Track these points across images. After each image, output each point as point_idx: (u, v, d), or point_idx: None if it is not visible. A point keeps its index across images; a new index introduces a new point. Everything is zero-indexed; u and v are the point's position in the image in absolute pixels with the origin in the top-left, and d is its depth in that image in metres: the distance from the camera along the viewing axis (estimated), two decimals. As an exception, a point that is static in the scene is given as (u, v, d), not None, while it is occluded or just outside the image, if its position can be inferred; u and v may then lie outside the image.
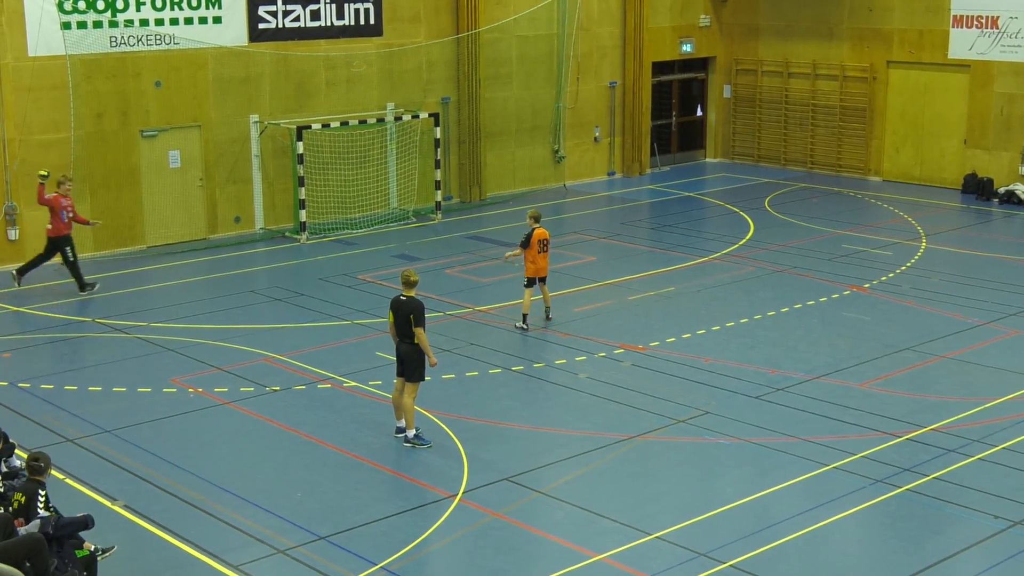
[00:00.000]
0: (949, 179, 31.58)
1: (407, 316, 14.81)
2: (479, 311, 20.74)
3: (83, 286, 21.83)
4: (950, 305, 20.91)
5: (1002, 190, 30.13)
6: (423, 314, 14.89)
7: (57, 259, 22.14)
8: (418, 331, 14.77)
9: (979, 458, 14.50)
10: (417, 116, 28.15)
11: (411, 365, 14.91)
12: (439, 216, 28.16)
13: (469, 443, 15.08)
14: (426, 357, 14.90)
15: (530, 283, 19.65)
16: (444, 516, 13.12)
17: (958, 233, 26.79)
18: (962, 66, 31.05)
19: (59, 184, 21.86)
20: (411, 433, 15.02)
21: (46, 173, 21.77)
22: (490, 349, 18.72)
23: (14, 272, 22.35)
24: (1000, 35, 30.16)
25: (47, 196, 21.61)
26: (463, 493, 13.69)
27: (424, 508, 13.35)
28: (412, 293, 14.95)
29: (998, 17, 30.14)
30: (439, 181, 28.43)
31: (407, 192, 28.36)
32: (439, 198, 28.41)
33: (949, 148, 31.64)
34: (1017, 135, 30.33)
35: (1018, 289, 21.88)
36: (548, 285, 20.18)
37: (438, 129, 28.17)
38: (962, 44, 30.90)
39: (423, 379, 15.06)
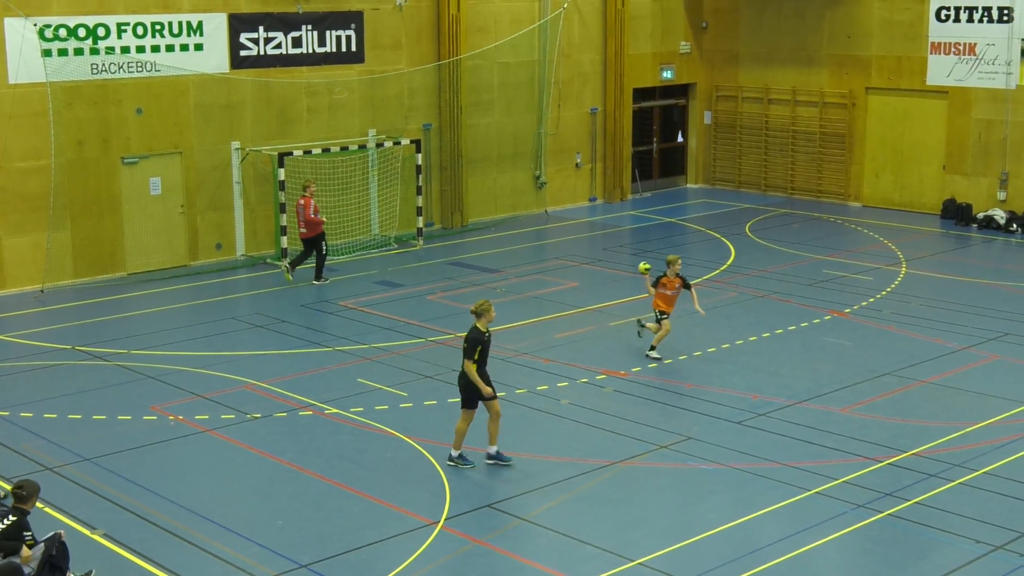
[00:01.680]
0: (928, 204, 31.76)
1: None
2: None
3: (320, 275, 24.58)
4: (930, 330, 21.00)
5: (981, 215, 30.32)
6: (470, 345, 14.86)
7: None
8: (464, 362, 14.86)
9: (960, 483, 14.54)
10: (399, 143, 28.20)
11: (461, 390, 15.05)
12: (420, 242, 28.17)
13: (451, 470, 15.04)
14: (477, 387, 14.84)
15: None
16: (426, 543, 13.07)
17: (937, 258, 26.93)
18: (940, 92, 31.28)
19: (305, 189, 24.34)
20: (454, 453, 15.09)
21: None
22: (472, 375, 18.67)
23: (286, 265, 24.66)
24: (977, 62, 30.41)
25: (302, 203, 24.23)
26: (445, 520, 13.65)
27: (406, 535, 13.29)
28: (478, 323, 14.93)
29: (975, 44, 30.39)
30: (420, 207, 28.46)
31: (388, 218, 28.36)
32: (420, 224, 28.43)
33: (928, 174, 31.84)
34: (995, 161, 30.55)
35: (997, 314, 21.99)
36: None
37: (419, 156, 28.23)
38: (940, 71, 31.14)
39: (467, 406, 15.01)
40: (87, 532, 13.32)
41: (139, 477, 14.85)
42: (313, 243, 24.43)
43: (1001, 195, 30.51)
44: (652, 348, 19.52)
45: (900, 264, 26.03)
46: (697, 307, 19.77)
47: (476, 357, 14.84)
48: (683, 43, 35.25)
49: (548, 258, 27.13)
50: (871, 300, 23.02)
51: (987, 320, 21.60)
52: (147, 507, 13.99)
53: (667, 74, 35.04)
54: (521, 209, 31.92)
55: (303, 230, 24.37)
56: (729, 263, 26.10)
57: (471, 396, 14.99)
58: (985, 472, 14.83)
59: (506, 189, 31.61)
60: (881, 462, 15.18)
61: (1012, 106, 30.06)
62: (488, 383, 14.96)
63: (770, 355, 19.71)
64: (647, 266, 19.69)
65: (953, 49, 30.84)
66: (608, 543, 13.06)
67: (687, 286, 19.59)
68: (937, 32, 31.07)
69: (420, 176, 28.34)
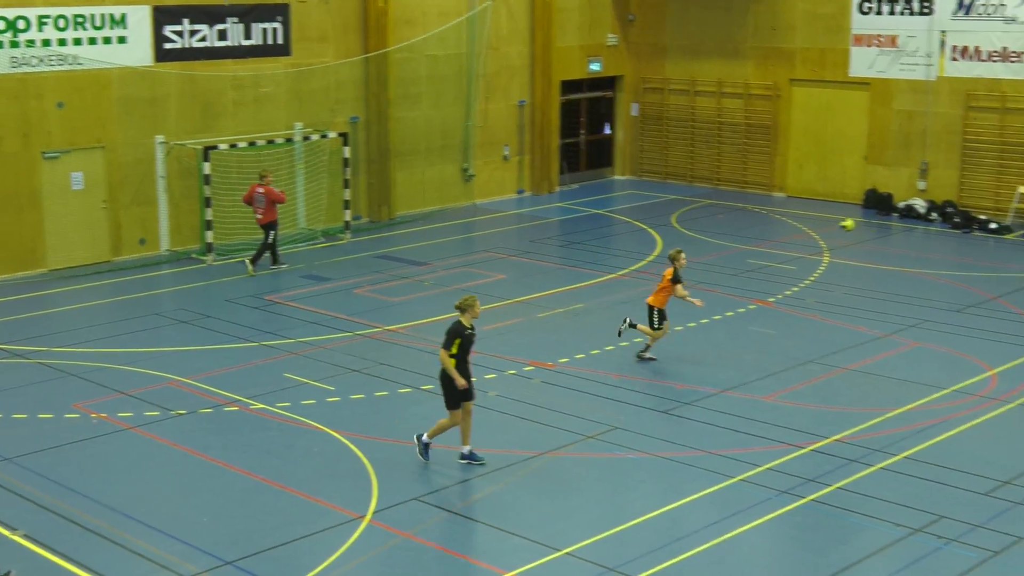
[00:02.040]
0: (851, 194, 32.21)
1: None
2: (388, 330, 20.68)
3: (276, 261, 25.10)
4: (852, 318, 21.31)
5: (902, 204, 30.80)
6: (449, 337, 14.60)
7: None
8: (440, 352, 14.70)
9: (881, 467, 14.78)
10: (325, 136, 28.03)
11: (442, 388, 14.82)
12: (348, 236, 28.04)
13: (379, 463, 15.01)
14: (452, 378, 14.60)
15: None
16: (353, 538, 13.03)
17: (860, 247, 27.32)
18: (862, 84, 31.72)
19: (261, 178, 24.67)
20: (465, 450, 14.99)
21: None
22: (399, 368, 18.67)
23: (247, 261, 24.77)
24: (898, 54, 30.86)
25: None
26: (372, 514, 13.62)
27: (333, 530, 13.25)
28: (462, 318, 14.66)
29: (896, 36, 30.85)
30: (348, 201, 28.33)
31: (315, 212, 28.20)
32: (348, 218, 28.30)
33: (850, 164, 32.28)
34: (915, 151, 31.04)
35: (918, 301, 22.36)
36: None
37: (347, 149, 28.10)
38: (862, 62, 31.58)
39: (451, 406, 14.76)
40: (7, 533, 13.12)
41: (61, 476, 14.65)
42: (269, 228, 24.74)
43: (921, 185, 31.01)
44: (647, 348, 19.03)
45: (823, 253, 26.38)
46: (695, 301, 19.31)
47: (454, 351, 14.59)
48: (610, 36, 35.40)
49: (476, 251, 27.15)
50: (795, 289, 23.31)
51: (907, 308, 21.95)
52: (69, 506, 13.81)
53: (594, 66, 35.18)
54: (449, 202, 31.88)
55: (259, 216, 24.69)
56: (656, 254, 26.28)
57: (452, 395, 14.70)
58: (905, 457, 15.09)
59: (434, 182, 31.56)
60: (804, 448, 15.39)
61: (932, 97, 30.55)
62: (468, 381, 14.72)
63: (696, 344, 19.89)
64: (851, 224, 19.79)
65: (875, 41, 31.28)
66: (536, 534, 13.11)
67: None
68: (860, 24, 31.50)
69: (347, 169, 28.22)
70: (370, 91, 29.51)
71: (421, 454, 15.04)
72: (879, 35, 31.16)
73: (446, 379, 14.68)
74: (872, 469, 14.73)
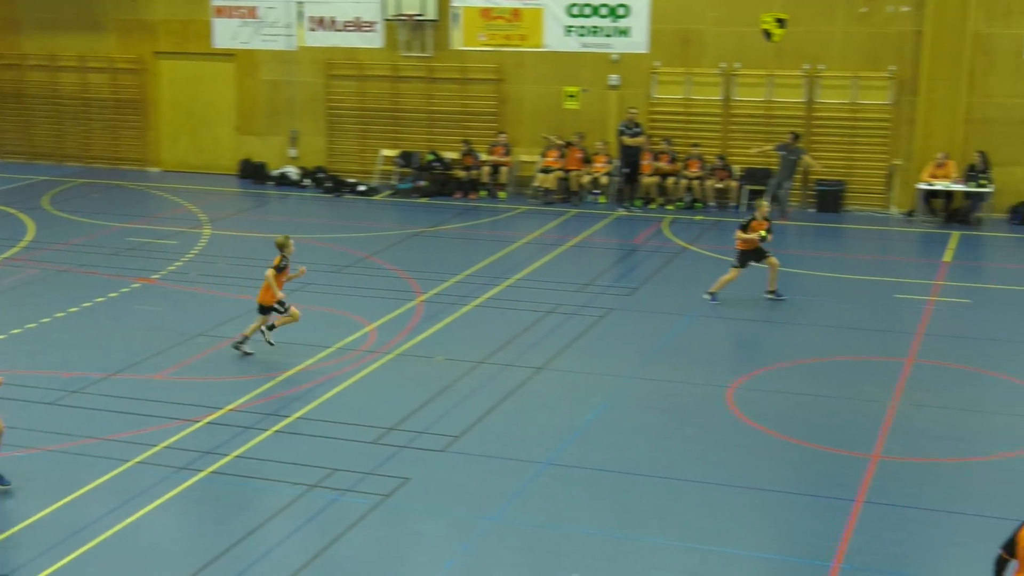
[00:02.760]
0: (226, 165, 32.53)
1: None
2: None
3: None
4: (237, 288, 21.59)
5: (276, 173, 31.60)
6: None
7: None
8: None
9: (275, 431, 15.18)
10: None
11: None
12: None
13: None
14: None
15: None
16: None
17: (239, 217, 27.71)
18: (228, 55, 32.02)
19: None
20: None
21: None
22: None
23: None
24: (260, 25, 31.46)
25: None
26: None
27: None
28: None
29: (256, 8, 31.42)
30: None
31: None
32: None
33: (223, 135, 32.58)
34: (284, 120, 31.95)
35: (298, 266, 23.04)
36: None
37: None
38: (225, 34, 31.86)
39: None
40: None
41: None
42: None
43: (292, 152, 31.98)
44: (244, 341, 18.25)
45: (203, 226, 26.45)
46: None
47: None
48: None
49: None
50: (178, 264, 23.20)
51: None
52: None
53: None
54: None
55: None
56: (28, 239, 24.98)
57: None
58: (297, 417, 15.61)
59: None
60: (199, 422, 15.44)
61: (295, 67, 31.53)
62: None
63: (80, 329, 19.24)
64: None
65: (236, 12, 31.65)
66: (-84, 552, 12.10)
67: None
68: (219, -4, 31.76)
69: None
70: None
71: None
72: (240, 6, 31.58)
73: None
74: (267, 433, 15.09)
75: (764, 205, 21.00)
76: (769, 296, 20.81)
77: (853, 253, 21.22)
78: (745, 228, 20.64)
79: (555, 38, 29.79)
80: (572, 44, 29.72)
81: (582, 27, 29.57)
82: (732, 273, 20.83)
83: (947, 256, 24.16)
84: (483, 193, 29.90)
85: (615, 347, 18.60)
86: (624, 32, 29.33)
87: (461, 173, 30.05)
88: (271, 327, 18.17)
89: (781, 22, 28.30)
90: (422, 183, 30.04)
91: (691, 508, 13.16)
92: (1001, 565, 9.12)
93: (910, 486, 13.65)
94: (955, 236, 25.77)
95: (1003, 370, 17.38)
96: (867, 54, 27.86)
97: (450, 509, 13.16)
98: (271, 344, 18.05)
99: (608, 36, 29.43)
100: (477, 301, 20.83)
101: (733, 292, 21.17)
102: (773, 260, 20.73)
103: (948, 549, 12.35)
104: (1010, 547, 9.06)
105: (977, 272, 23.48)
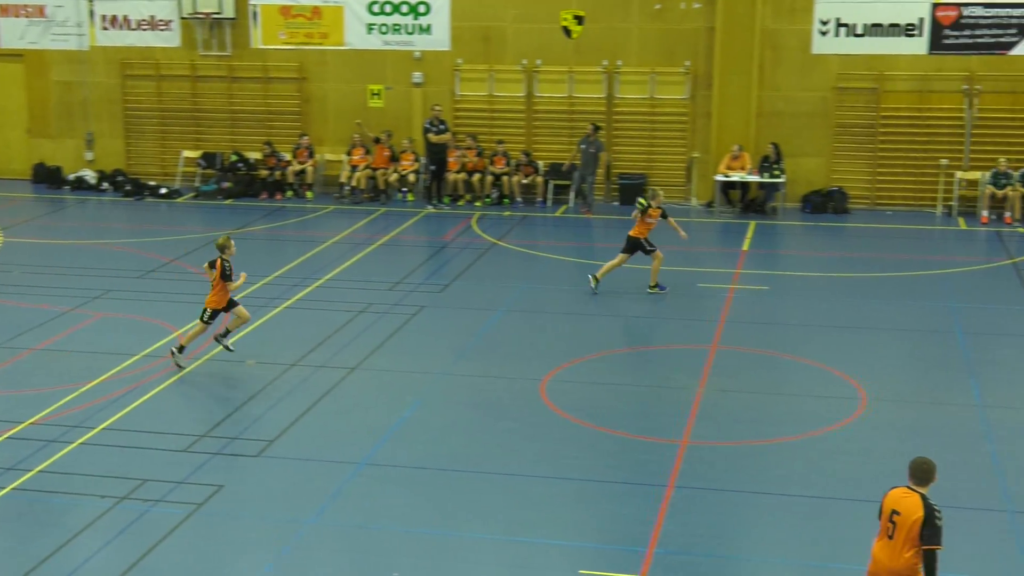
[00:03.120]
0: (19, 170, 31.32)
1: None
2: None
3: None
4: (34, 296, 20.81)
5: (72, 177, 30.55)
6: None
7: None
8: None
9: (81, 443, 14.69)
10: None
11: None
12: None
13: None
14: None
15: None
16: None
17: (34, 223, 26.72)
18: (16, 56, 30.81)
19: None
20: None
21: None
22: None
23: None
24: (49, 24, 30.38)
25: None
26: None
27: None
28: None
29: (44, 6, 30.32)
30: None
31: None
32: None
33: (14, 139, 31.36)
34: (79, 122, 30.92)
35: (100, 272, 22.41)
36: None
37: None
38: (12, 33, 30.67)
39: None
40: None
41: None
42: None
43: (89, 155, 30.97)
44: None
45: (-4, 234, 25.43)
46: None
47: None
48: None
49: None
50: (-31, 274, 22.24)
51: (91, 280, 21.91)
52: None
53: None
54: None
55: None
56: None
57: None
58: (104, 428, 15.14)
59: None
60: (-1, 438, 14.85)
61: (88, 67, 30.54)
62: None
63: None
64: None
65: (23, 11, 30.49)
66: None
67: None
68: (4, -6, 30.54)
69: None
70: None
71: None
72: (26, 5, 30.43)
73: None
74: (72, 446, 14.59)
75: (660, 194, 21.47)
76: (652, 291, 21.16)
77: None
78: (645, 213, 20.98)
79: (357, 36, 29.68)
80: (374, 42, 29.66)
81: (384, 25, 29.52)
82: (620, 259, 21.16)
83: (745, 245, 25.02)
84: (290, 193, 29.55)
85: (428, 344, 18.65)
86: (426, 29, 29.40)
87: (265, 173, 29.63)
88: (225, 333, 17.61)
89: (579, 19, 28.82)
90: (226, 185, 29.51)
91: (509, 501, 13.30)
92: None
93: (719, 469, 14.10)
94: (752, 225, 26.69)
95: (801, 353, 18.11)
96: (663, 50, 28.61)
97: (267, 514, 12.98)
98: (230, 350, 17.56)
99: (410, 34, 29.46)
100: (288, 303, 20.60)
101: (546, 287, 21.48)
102: (659, 255, 21.11)
103: (755, 528, 12.81)
104: (879, 511, 9.71)
105: (774, 260, 24.38)
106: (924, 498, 9.39)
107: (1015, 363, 17.80)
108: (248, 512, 13.01)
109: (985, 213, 26.93)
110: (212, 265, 17.33)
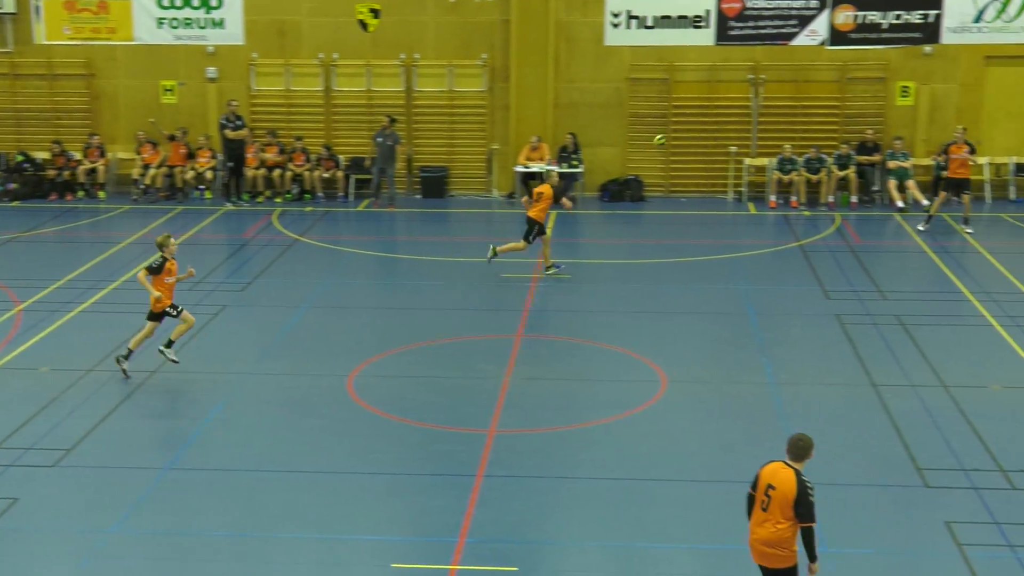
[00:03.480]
0: None
1: None
2: None
3: None
4: None
5: None
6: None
7: None
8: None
9: None
10: None
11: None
12: None
13: None
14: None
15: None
16: None
17: None
18: None
19: None
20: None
21: None
22: None
23: None
24: None
25: None
26: None
27: None
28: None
29: None
30: None
31: None
32: None
33: None
34: None
35: None
36: None
37: None
38: None
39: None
40: None
41: None
42: None
43: None
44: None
45: None
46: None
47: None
48: None
49: None
50: None
51: None
52: None
53: None
54: None
55: None
56: None
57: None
58: None
59: None
60: None
61: None
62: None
63: None
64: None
65: None
66: None
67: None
68: None
69: None
70: None
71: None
72: None
73: None
74: None
75: (554, 175, 22.57)
76: (550, 272, 21.80)
77: (459, 236, 21.87)
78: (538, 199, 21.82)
79: (146, 31, 28.90)
80: (165, 36, 28.94)
81: (175, 19, 28.83)
82: (521, 244, 21.91)
83: (547, 233, 25.34)
84: (81, 194, 28.59)
85: (231, 344, 18.35)
86: (219, 24, 28.84)
87: (54, 174, 28.59)
88: (169, 343, 16.70)
89: (375, 12, 28.71)
90: (12, 186, 28.37)
91: (321, 499, 13.20)
92: (750, 501, 10.08)
93: (526, 457, 14.30)
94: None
95: (603, 339, 18.50)
96: (460, 43, 28.75)
97: (66, 525, 12.57)
98: (176, 362, 16.69)
99: (202, 28, 28.86)
100: (82, 307, 19.94)
101: (350, 282, 21.36)
102: (547, 236, 22.06)
103: (563, 513, 13.03)
104: (754, 484, 10.03)
105: (574, 248, 24.80)
106: (798, 474, 9.82)
107: (803, 342, 18.58)
108: (44, 525, 12.57)
109: (773, 198, 28.05)
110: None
